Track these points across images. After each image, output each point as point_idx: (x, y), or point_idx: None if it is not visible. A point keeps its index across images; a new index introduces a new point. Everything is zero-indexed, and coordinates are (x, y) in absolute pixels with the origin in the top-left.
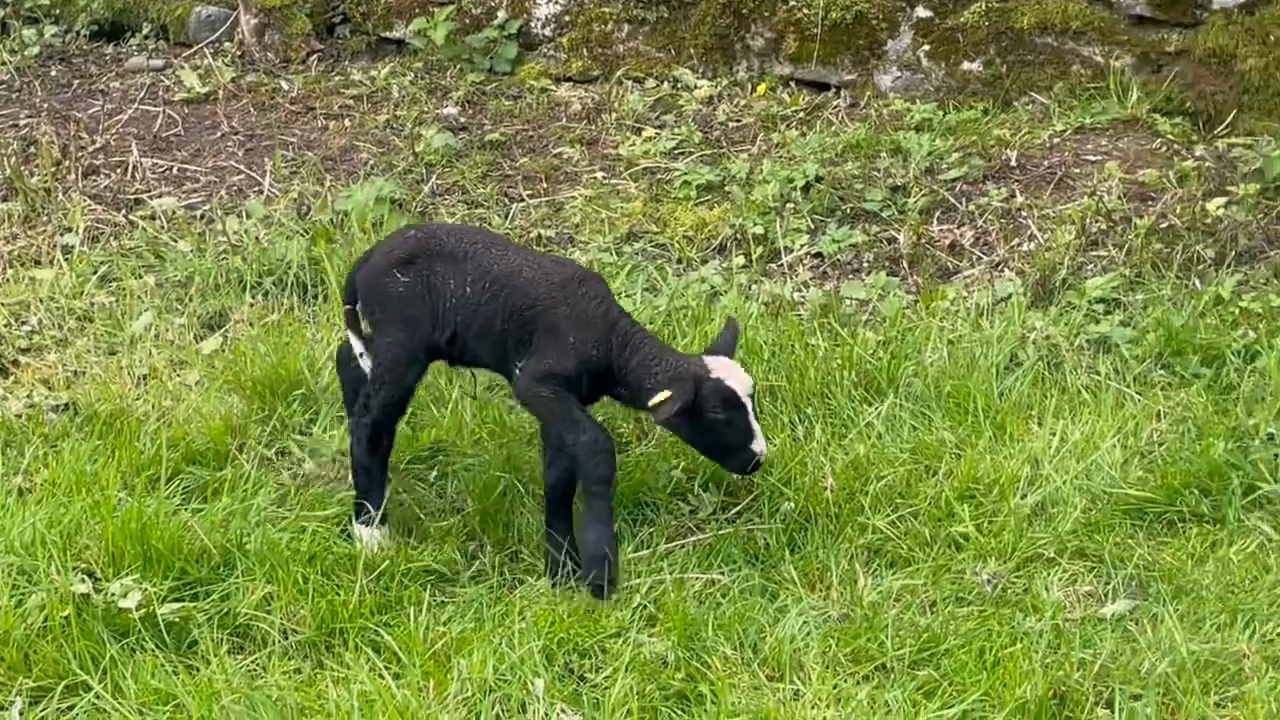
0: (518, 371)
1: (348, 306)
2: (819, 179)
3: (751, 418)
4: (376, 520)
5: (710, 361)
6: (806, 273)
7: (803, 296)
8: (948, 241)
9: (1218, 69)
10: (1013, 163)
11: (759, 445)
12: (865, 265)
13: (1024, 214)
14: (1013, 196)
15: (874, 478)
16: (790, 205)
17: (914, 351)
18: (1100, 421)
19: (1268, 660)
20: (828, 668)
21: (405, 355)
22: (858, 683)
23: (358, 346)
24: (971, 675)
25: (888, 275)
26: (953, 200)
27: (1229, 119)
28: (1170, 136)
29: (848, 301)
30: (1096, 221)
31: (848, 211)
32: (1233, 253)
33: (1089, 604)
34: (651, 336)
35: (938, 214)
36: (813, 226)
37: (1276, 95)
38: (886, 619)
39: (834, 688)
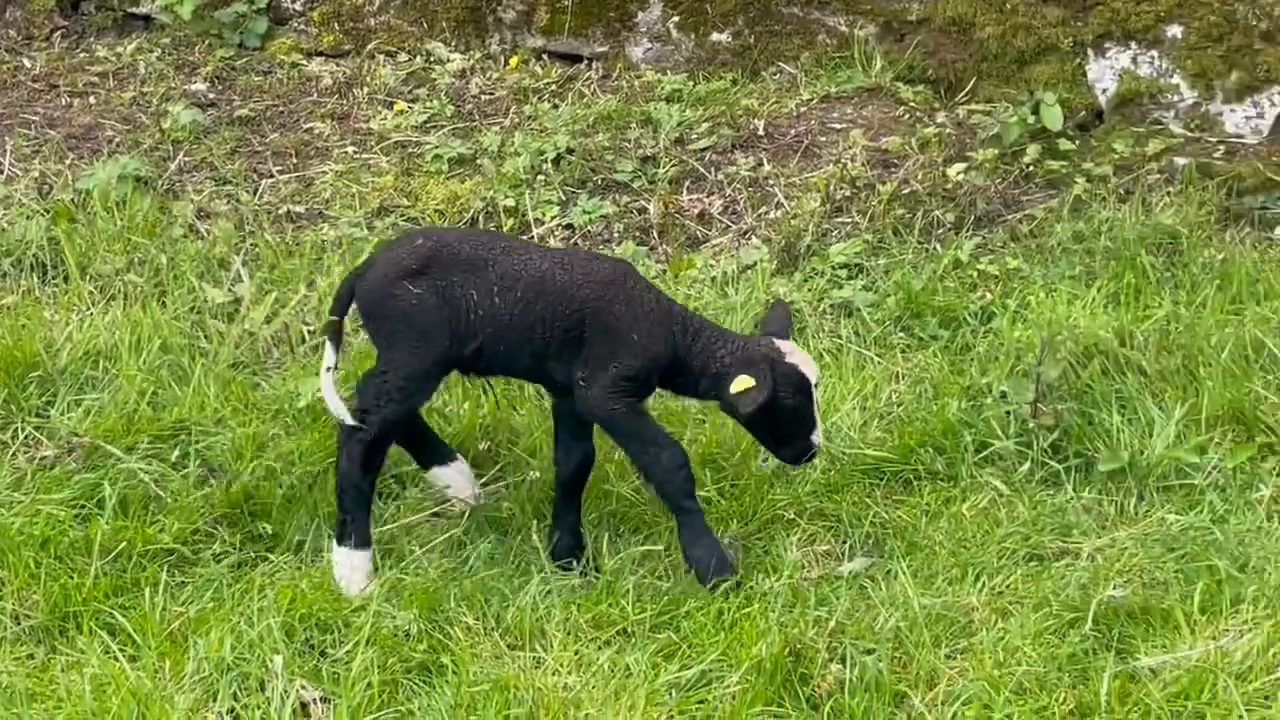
0: (581, 382)
1: (335, 318)
2: (570, 151)
3: (816, 407)
4: (360, 543)
5: (780, 344)
6: (558, 244)
7: None
8: (697, 211)
9: (958, 37)
10: (761, 132)
11: (818, 436)
12: (616, 235)
13: (771, 182)
14: (760, 165)
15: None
16: (541, 177)
17: None
18: (841, 384)
19: (996, 612)
20: (569, 634)
21: (420, 373)
22: (599, 648)
23: (330, 360)
24: (710, 636)
25: (637, 245)
26: (702, 170)
27: (969, 86)
28: (913, 104)
29: None
30: (841, 188)
31: (599, 183)
32: (972, 217)
33: (827, 563)
34: (706, 319)
35: (687, 184)
36: (564, 198)
37: (1014, 63)
38: (628, 584)
39: (575, 653)
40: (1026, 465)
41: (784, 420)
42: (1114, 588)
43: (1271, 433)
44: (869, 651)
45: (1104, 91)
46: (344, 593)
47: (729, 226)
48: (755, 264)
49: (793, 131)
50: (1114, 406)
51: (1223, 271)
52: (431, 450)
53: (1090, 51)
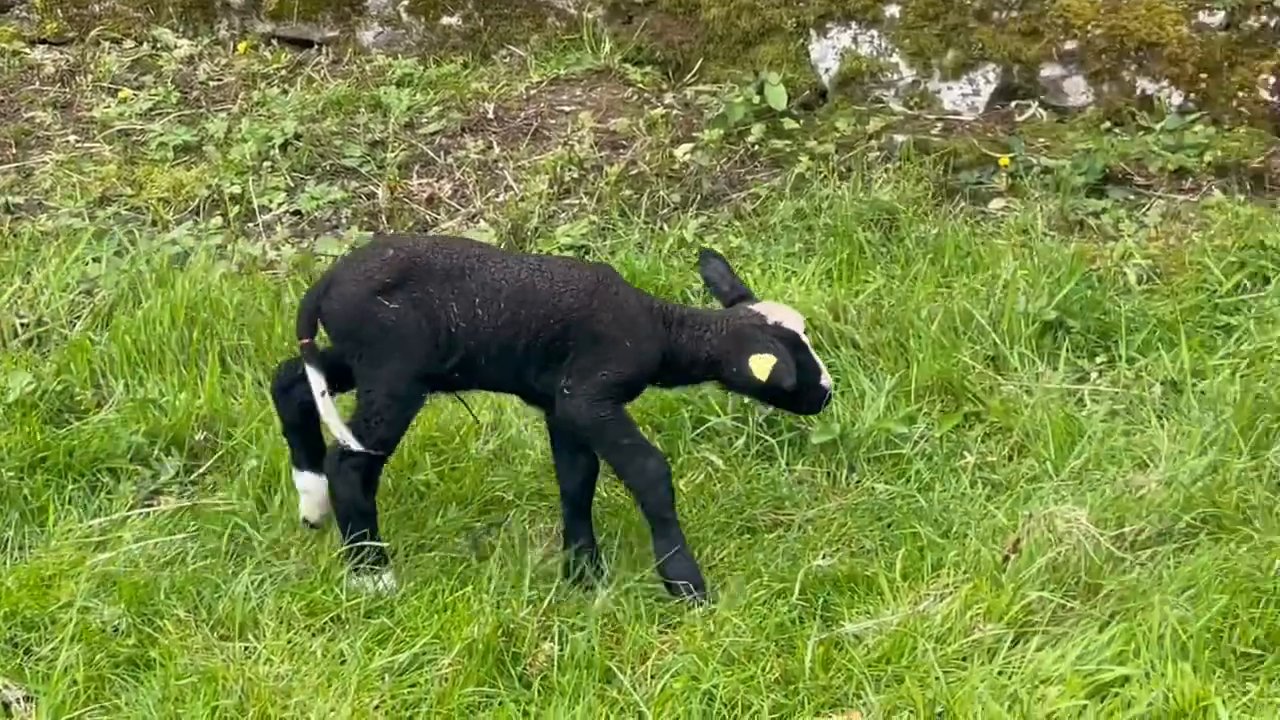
0: (565, 390)
1: (305, 341)
2: (298, 137)
3: (814, 353)
4: (379, 565)
5: (757, 309)
6: (285, 231)
7: (279, 255)
8: (426, 195)
9: (684, 19)
10: (491, 115)
11: (827, 379)
12: (344, 221)
13: (501, 165)
14: (490, 148)
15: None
16: (268, 164)
17: None
18: None
19: (710, 584)
20: (282, 623)
21: (404, 389)
22: (313, 635)
23: (319, 385)
24: (424, 620)
25: (365, 231)
26: (431, 154)
27: (696, 67)
28: (641, 85)
29: (323, 258)
30: (569, 170)
31: (327, 168)
32: (697, 196)
33: (548, 542)
34: (681, 306)
35: (417, 168)
36: (292, 184)
37: (739, 44)
38: (344, 571)
39: (288, 642)
40: (742, 440)
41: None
42: (822, 557)
43: (978, 401)
44: (580, 628)
45: (827, 71)
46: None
47: (458, 210)
48: None
49: (522, 114)
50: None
51: (935, 245)
52: (314, 455)
53: (813, 32)
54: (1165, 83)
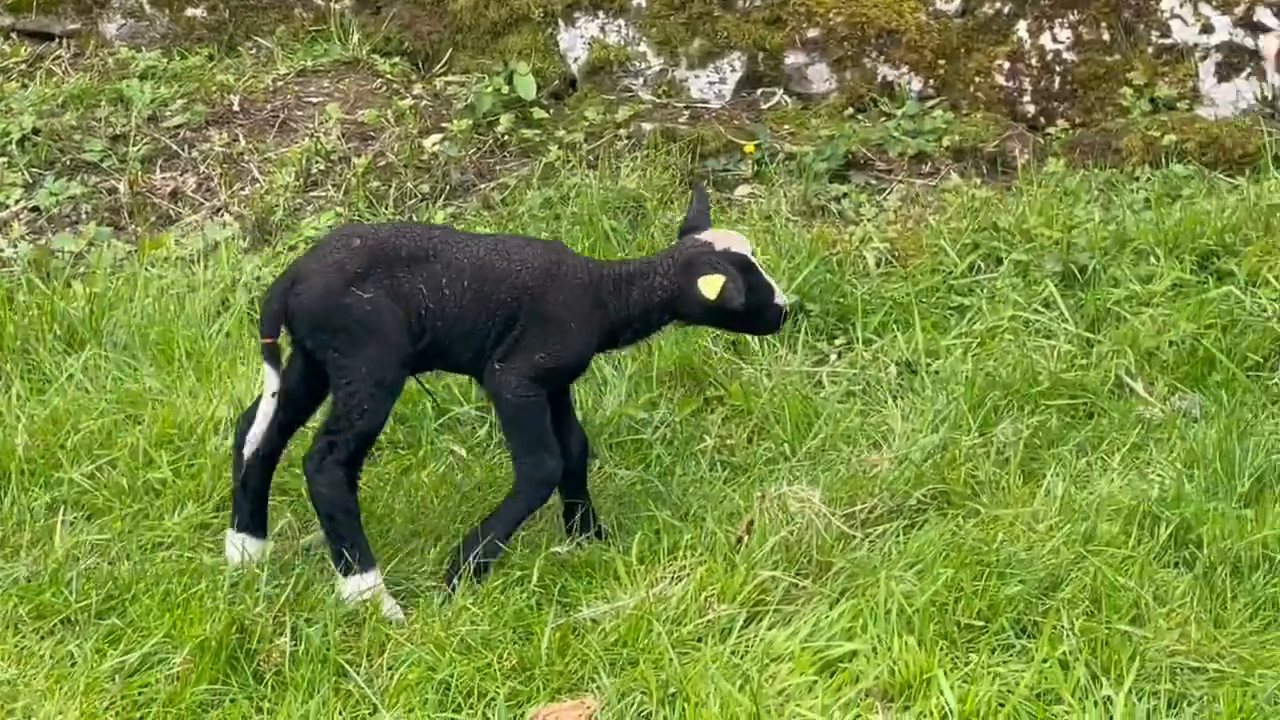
0: (497, 364)
1: (269, 340)
2: (37, 131)
3: (765, 274)
4: (367, 565)
5: (704, 238)
6: (22, 228)
7: (15, 253)
8: (169, 189)
9: (432, 9)
10: (236, 108)
11: (781, 298)
12: (84, 217)
13: (246, 158)
14: (235, 141)
15: (73, 429)
16: (4, 160)
17: (122, 301)
18: None
19: (440, 580)
20: (9, 626)
21: (386, 378)
22: (41, 638)
23: (273, 384)
24: (155, 619)
25: (106, 226)
26: (175, 148)
27: (445, 58)
28: (390, 76)
29: (60, 254)
30: (316, 162)
31: (67, 164)
32: (446, 187)
33: (290, 538)
34: (629, 259)
35: (160, 162)
36: (30, 180)
37: (488, 34)
38: (73, 573)
39: (17, 646)
40: (485, 429)
41: (749, 301)
42: (559, 544)
43: (719, 386)
44: (313, 623)
45: (576, 60)
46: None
47: (202, 204)
48: (223, 241)
49: (269, 107)
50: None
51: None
52: (260, 519)
53: (561, 21)
54: (905, 69)
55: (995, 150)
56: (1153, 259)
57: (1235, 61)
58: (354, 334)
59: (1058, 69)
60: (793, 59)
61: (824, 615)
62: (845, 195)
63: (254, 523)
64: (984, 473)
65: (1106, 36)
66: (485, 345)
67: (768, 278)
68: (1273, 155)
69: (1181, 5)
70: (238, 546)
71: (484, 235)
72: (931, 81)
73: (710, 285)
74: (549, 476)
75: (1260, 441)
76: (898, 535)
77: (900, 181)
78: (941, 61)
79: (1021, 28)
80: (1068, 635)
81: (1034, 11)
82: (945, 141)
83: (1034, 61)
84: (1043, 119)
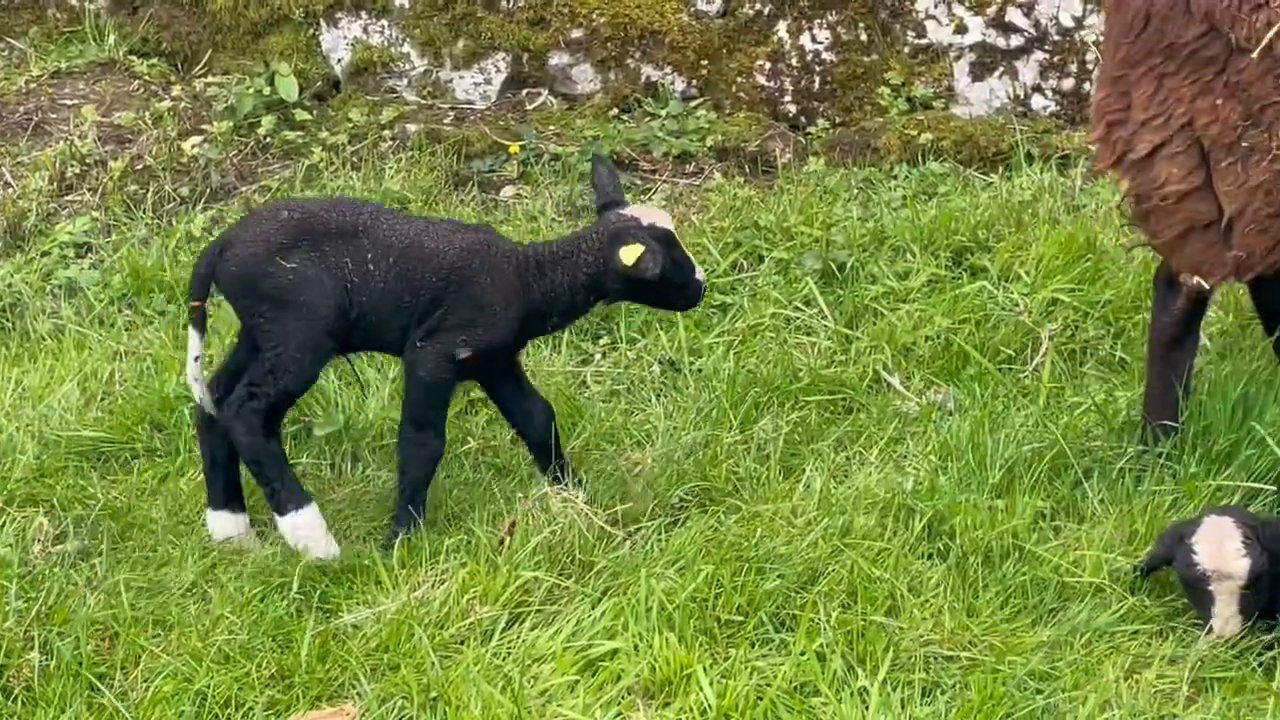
0: (419, 341)
1: (196, 303)
2: None
3: (686, 250)
4: (301, 502)
5: (629, 213)
6: None
7: None
8: None
9: (191, 9)
10: None
11: (700, 274)
12: None
13: None
14: None
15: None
16: None
17: None
18: (60, 366)
19: (207, 587)
20: None
21: (310, 343)
22: None
23: (196, 348)
24: None
25: None
26: None
27: (205, 59)
28: (148, 78)
29: None
30: (71, 166)
31: None
32: (206, 190)
33: (45, 549)
34: (551, 240)
35: None
36: None
37: (247, 34)
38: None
39: None
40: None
41: (668, 275)
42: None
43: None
44: (65, 636)
45: (339, 61)
46: (319, 558)
47: None
48: None
49: (22, 109)
50: (333, 373)
51: None
52: (233, 493)
53: (323, 22)
54: (669, 70)
55: (757, 150)
56: (909, 255)
57: (988, 61)
58: (278, 301)
59: (817, 69)
60: (557, 60)
61: (586, 614)
62: None
63: (228, 496)
64: (744, 469)
65: (864, 37)
66: (410, 324)
67: (688, 254)
68: (1025, 153)
69: (936, 6)
70: (221, 524)
71: (417, 217)
72: (695, 82)
73: (629, 253)
74: (434, 454)
75: (1011, 433)
76: (660, 533)
77: (665, 181)
78: (704, 62)
79: (781, 28)
80: (824, 628)
81: (793, 12)
82: (708, 141)
83: (794, 62)
84: (803, 118)
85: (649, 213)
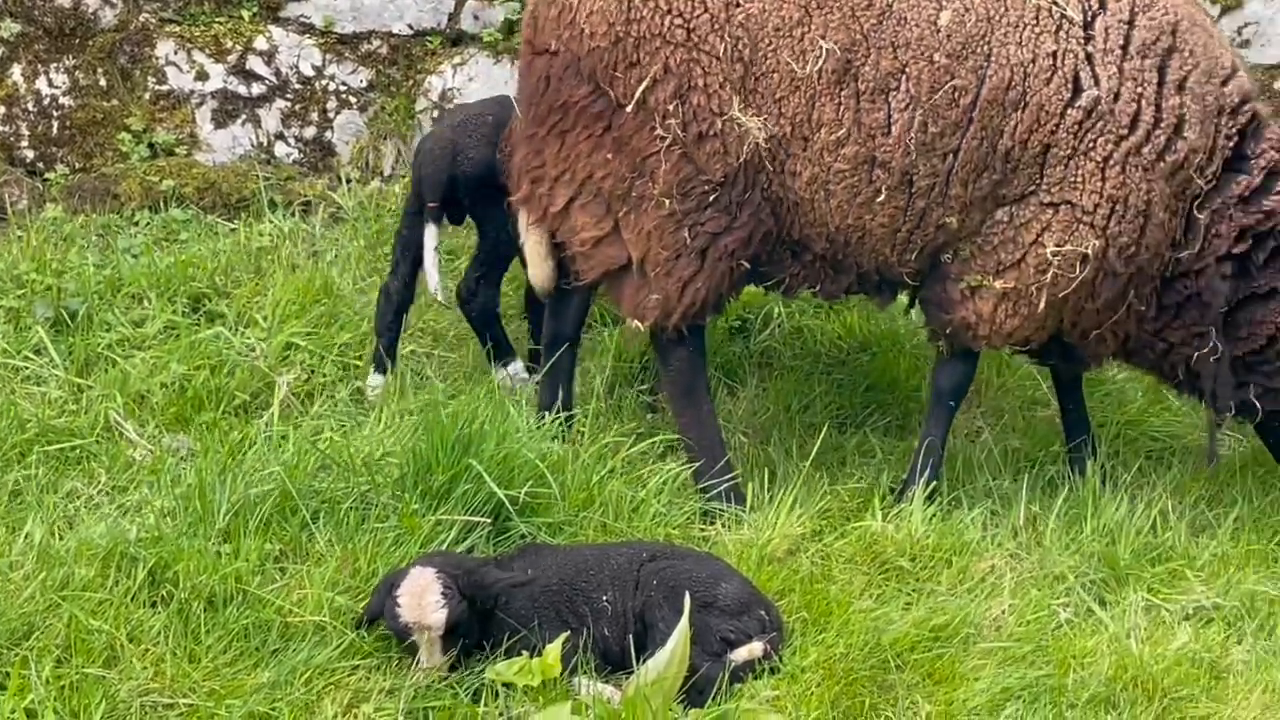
0: None
1: (434, 204)
2: None
3: None
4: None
5: None
6: None
7: None
8: None
9: None
10: None
11: None
12: None
13: None
14: None
15: None
16: None
17: None
18: None
19: None
20: None
21: None
22: None
23: (433, 241)
24: None
25: None
26: None
27: None
28: None
29: None
30: None
31: None
32: None
33: None
34: None
35: None
36: None
37: None
38: None
39: None
40: None
41: None
42: None
43: None
44: None
45: None
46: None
47: None
48: None
49: None
50: None
51: None
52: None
53: None
54: None
55: None
56: (146, 302)
57: (231, 109)
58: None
59: (55, 114)
60: None
61: None
62: None
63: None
64: None
65: (104, 82)
66: None
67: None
68: (269, 199)
69: (176, 53)
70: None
71: None
72: None
73: None
74: None
75: (241, 477)
76: None
77: None
78: None
79: (16, 72)
80: (36, 684)
81: (28, 56)
82: None
83: (30, 106)
84: (41, 164)
85: None
